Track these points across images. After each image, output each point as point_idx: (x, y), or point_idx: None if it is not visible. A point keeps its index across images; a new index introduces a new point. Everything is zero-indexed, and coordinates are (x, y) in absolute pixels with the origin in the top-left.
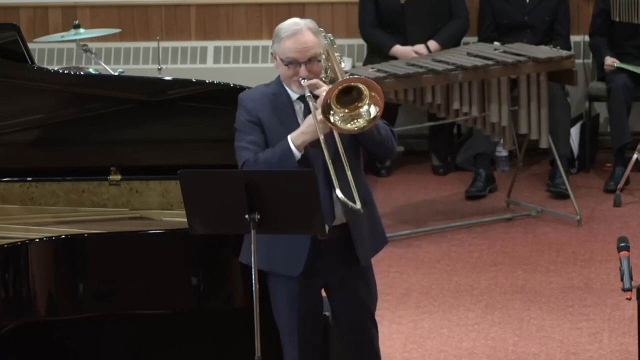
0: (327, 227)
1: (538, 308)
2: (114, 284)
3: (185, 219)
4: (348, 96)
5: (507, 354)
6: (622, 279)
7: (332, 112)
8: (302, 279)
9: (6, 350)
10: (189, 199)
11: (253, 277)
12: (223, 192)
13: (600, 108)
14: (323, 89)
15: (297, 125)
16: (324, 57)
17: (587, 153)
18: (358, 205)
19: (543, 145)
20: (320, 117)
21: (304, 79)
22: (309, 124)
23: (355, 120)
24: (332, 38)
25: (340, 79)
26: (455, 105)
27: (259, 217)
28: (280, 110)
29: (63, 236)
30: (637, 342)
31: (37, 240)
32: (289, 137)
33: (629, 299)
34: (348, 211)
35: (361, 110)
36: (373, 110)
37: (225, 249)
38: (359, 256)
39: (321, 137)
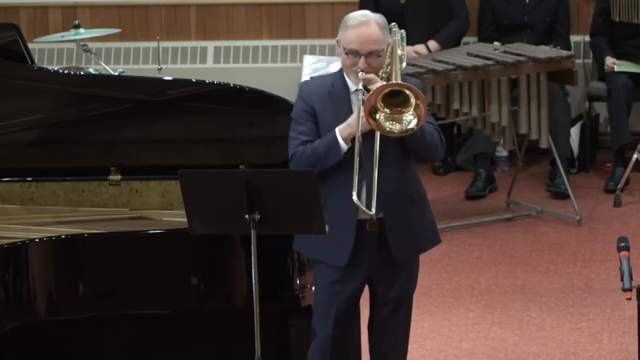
0: (372, 219)
1: (538, 308)
2: (114, 284)
3: (185, 219)
4: (395, 98)
5: (507, 354)
6: (622, 279)
7: (377, 112)
8: (347, 271)
9: (6, 350)
10: (189, 199)
11: (253, 277)
12: (223, 192)
13: (600, 108)
14: (376, 85)
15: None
16: (387, 53)
17: (587, 153)
18: (372, 212)
19: (543, 145)
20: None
21: (361, 70)
22: (356, 117)
23: (393, 124)
24: (403, 34)
25: (393, 80)
26: (455, 105)
27: (259, 217)
28: (337, 100)
29: (63, 236)
30: (637, 342)
31: (37, 240)
32: (336, 129)
33: (629, 299)
34: (384, 205)
35: (403, 117)
36: (413, 122)
37: (225, 249)
38: (392, 250)
39: (358, 134)
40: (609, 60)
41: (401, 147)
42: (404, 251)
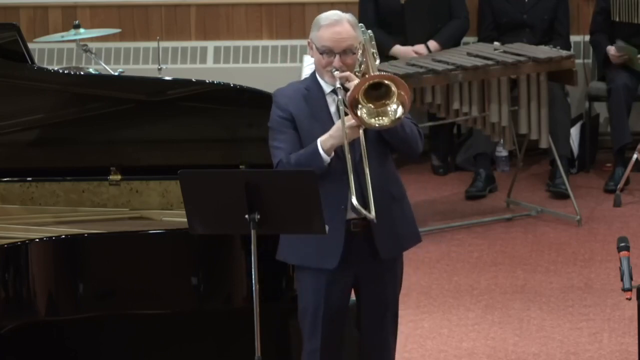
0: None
1: (538, 308)
2: (114, 284)
3: (185, 219)
4: (376, 91)
5: (507, 354)
6: (622, 279)
7: (359, 106)
8: (335, 274)
9: (6, 350)
10: (189, 199)
11: (253, 277)
12: (223, 192)
13: (600, 108)
14: (354, 82)
15: (330, 119)
16: (359, 51)
17: (587, 153)
18: (372, 215)
19: (543, 145)
20: (348, 123)
21: (336, 69)
22: (337, 128)
23: (380, 117)
24: (371, 34)
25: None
26: (455, 105)
27: (259, 217)
28: (313, 104)
29: (63, 236)
30: (637, 342)
31: (37, 240)
32: (318, 141)
33: (629, 299)
34: (376, 204)
35: (388, 108)
36: (399, 111)
37: (225, 249)
38: (378, 248)
39: (346, 144)
40: (612, 50)
41: (380, 143)
42: (389, 248)
